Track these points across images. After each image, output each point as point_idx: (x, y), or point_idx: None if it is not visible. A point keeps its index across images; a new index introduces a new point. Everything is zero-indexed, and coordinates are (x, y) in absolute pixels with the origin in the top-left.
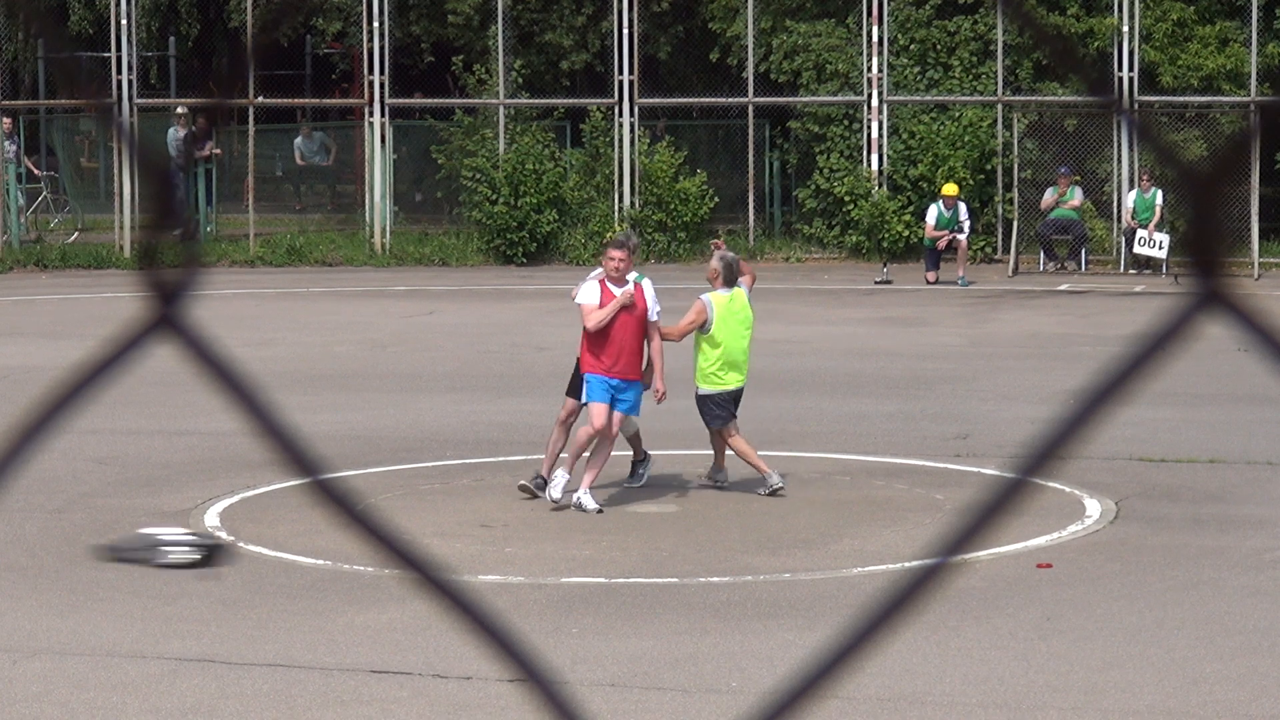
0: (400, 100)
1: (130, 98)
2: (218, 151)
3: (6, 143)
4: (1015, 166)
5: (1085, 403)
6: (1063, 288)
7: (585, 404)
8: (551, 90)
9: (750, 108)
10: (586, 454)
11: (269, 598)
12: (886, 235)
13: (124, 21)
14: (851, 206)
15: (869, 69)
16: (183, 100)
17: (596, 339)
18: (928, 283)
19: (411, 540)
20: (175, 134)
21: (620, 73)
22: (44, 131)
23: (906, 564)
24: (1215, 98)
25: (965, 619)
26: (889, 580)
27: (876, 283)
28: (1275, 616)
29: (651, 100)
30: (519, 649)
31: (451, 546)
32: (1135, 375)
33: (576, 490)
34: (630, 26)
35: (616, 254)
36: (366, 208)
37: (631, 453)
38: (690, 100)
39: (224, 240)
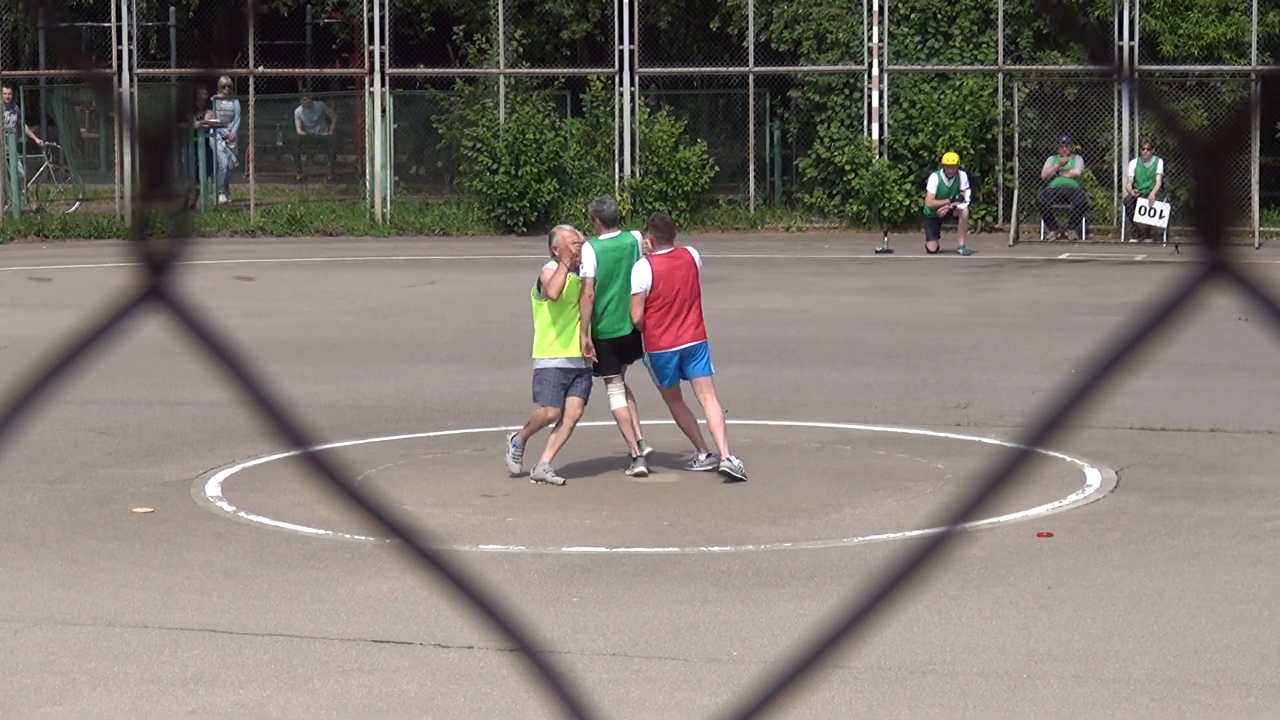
0: (401, 70)
1: (130, 68)
2: (217, 121)
3: (7, 113)
4: (1016, 135)
5: (1091, 373)
6: (1063, 257)
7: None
8: (552, 60)
9: (751, 77)
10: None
11: (270, 567)
12: (887, 204)
13: None
14: (852, 176)
15: (869, 38)
16: (225, 70)
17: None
18: (928, 252)
19: (401, 511)
20: (222, 105)
21: (620, 42)
22: (44, 101)
23: (908, 533)
24: (1216, 66)
25: (966, 588)
26: (890, 550)
27: (877, 252)
28: (1276, 585)
29: (652, 70)
30: (510, 620)
31: (452, 516)
32: (1141, 346)
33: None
34: None
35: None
36: (367, 178)
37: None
38: (691, 69)
39: (224, 210)
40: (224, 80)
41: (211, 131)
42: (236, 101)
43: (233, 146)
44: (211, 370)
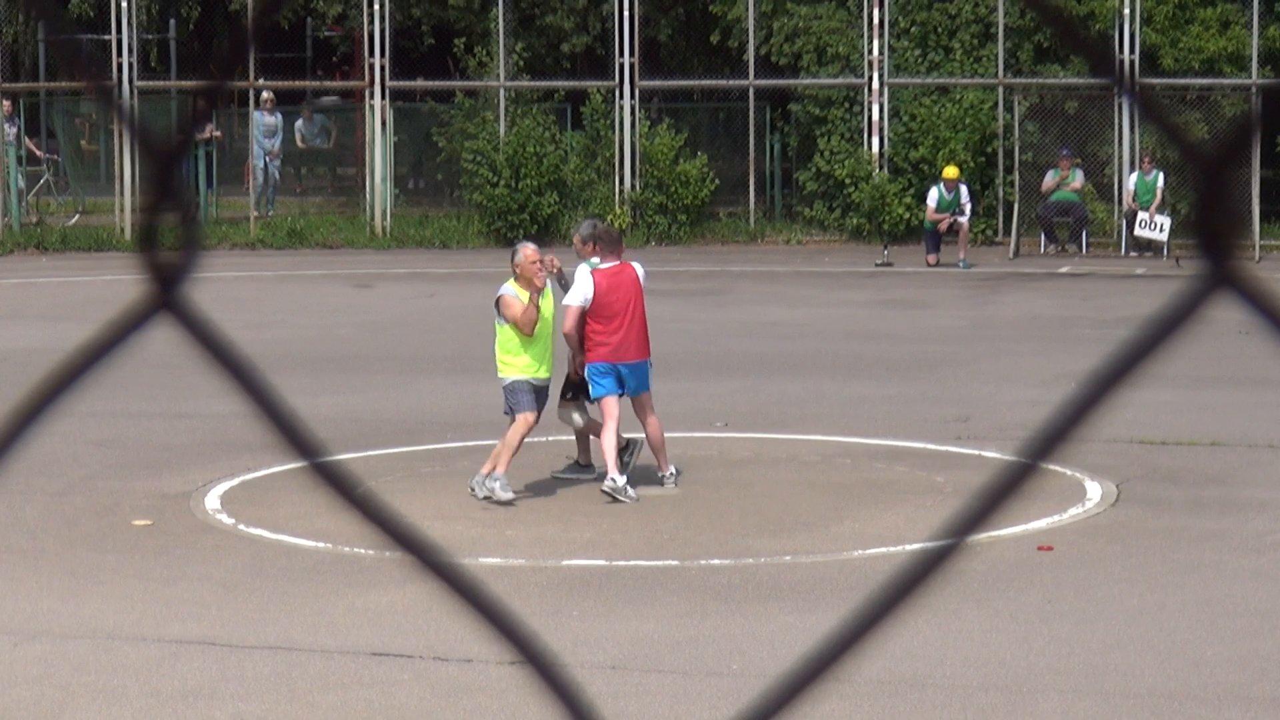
0: (401, 83)
1: (130, 80)
2: (218, 134)
3: (7, 125)
4: (1016, 149)
5: (1094, 386)
6: (1063, 270)
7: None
8: (552, 73)
9: (751, 90)
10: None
11: (269, 580)
12: (887, 218)
13: (124, 4)
14: (852, 189)
15: (870, 51)
16: (266, 84)
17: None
18: (928, 265)
19: (410, 523)
20: (263, 117)
21: (621, 55)
22: (44, 114)
23: (908, 547)
24: (1216, 80)
25: (966, 602)
26: (891, 564)
27: (877, 265)
28: (1276, 599)
29: (652, 83)
30: (517, 632)
31: (452, 529)
32: (1143, 359)
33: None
34: (631, 9)
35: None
36: (367, 190)
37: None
38: (691, 83)
39: (224, 223)
40: (267, 94)
41: (211, 143)
42: (279, 115)
43: (276, 162)
44: (222, 382)
